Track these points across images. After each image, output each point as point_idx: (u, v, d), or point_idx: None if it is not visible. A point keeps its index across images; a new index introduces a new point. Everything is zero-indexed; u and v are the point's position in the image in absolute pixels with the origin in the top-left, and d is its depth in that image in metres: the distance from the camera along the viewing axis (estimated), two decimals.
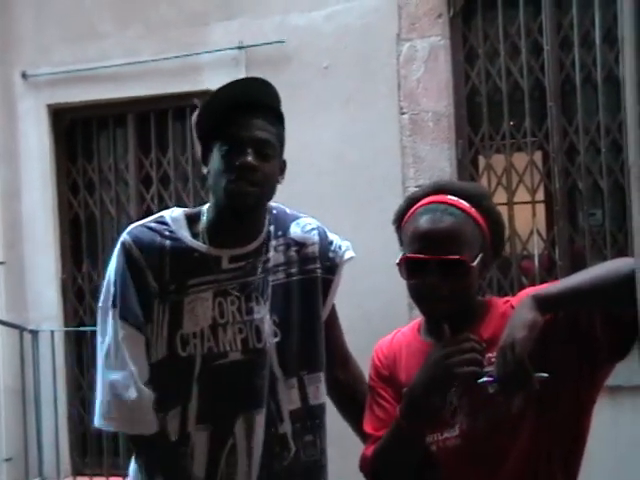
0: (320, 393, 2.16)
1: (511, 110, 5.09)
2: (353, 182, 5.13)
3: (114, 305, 2.03)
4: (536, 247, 5.08)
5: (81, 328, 5.92)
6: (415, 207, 1.98)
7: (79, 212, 6.10)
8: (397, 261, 1.95)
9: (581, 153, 4.97)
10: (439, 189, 2.01)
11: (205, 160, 2.08)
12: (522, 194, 5.03)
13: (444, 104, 5.08)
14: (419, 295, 1.93)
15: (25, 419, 5.74)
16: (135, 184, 5.96)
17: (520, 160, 5.12)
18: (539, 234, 5.07)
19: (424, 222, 1.92)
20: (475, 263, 1.90)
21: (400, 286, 5.33)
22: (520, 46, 5.08)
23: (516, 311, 1.82)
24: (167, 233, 2.07)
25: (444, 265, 1.87)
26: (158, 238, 2.06)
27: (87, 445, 5.99)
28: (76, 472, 5.92)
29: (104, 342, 2.04)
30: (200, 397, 2.02)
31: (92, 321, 5.92)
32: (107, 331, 2.03)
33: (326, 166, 5.17)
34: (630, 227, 4.81)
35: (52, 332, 5.73)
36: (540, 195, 5.10)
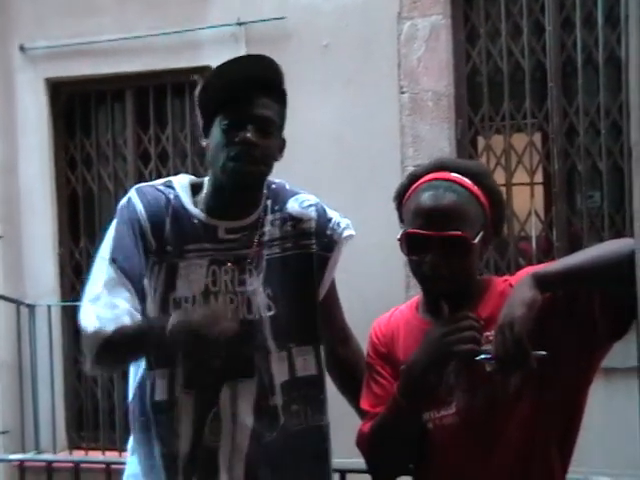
0: (309, 365, 2.15)
1: (511, 91, 5.09)
2: (352, 161, 5.13)
3: (112, 255, 2.03)
4: (534, 228, 5.10)
5: (78, 303, 5.87)
6: (417, 184, 1.97)
7: (77, 187, 6.11)
8: (398, 237, 1.95)
9: (581, 134, 4.98)
10: (441, 166, 2.00)
11: (206, 132, 2.08)
12: (521, 175, 5.04)
13: (444, 84, 5.08)
14: (420, 271, 1.92)
15: (22, 393, 5.76)
16: (133, 160, 5.97)
17: (519, 141, 5.13)
18: (537, 215, 5.08)
19: (426, 198, 1.91)
20: (476, 240, 1.90)
21: (398, 266, 5.37)
22: (522, 26, 5.08)
23: (515, 289, 1.82)
24: (172, 196, 2.09)
25: (446, 242, 1.86)
26: (163, 199, 2.08)
27: (83, 419, 6.03)
28: (72, 446, 5.95)
29: (91, 288, 2.04)
30: (187, 362, 2.03)
31: None
32: (98, 278, 2.03)
33: (325, 145, 5.17)
34: (629, 209, 4.82)
35: (49, 307, 5.74)
36: (539, 176, 5.11)
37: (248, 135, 1.97)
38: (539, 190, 5.13)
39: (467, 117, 5.15)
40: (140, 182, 5.96)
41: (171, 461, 2.04)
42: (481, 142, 5.19)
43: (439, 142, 5.05)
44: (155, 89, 5.85)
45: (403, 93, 5.13)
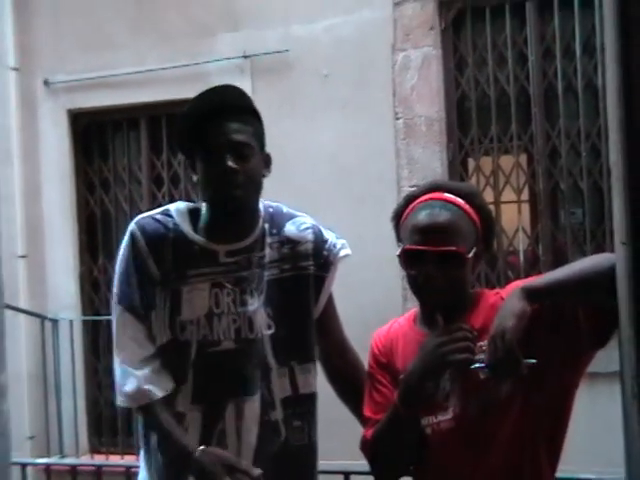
0: (309, 383, 2.14)
1: (498, 115, 5.10)
2: (351, 181, 5.13)
3: (119, 293, 2.05)
4: (521, 243, 5.09)
5: (97, 317, 5.93)
6: (413, 204, 1.98)
7: (95, 209, 6.10)
8: (397, 253, 1.95)
9: (563, 156, 4.98)
10: (435, 187, 2.01)
11: (193, 168, 2.07)
12: (508, 194, 5.04)
13: (436, 109, 5.08)
14: (417, 285, 1.92)
15: (46, 401, 5.74)
16: (147, 183, 5.96)
17: (507, 162, 5.13)
18: (524, 231, 5.08)
19: (423, 216, 1.91)
20: (470, 255, 1.90)
21: (394, 279, 5.36)
22: (506, 56, 5.09)
23: (506, 301, 1.82)
24: (171, 225, 2.06)
25: (441, 256, 1.86)
26: (162, 229, 2.05)
27: (103, 425, 6.01)
28: (93, 450, 5.93)
29: (113, 326, 2.07)
30: (195, 380, 2.02)
31: (107, 310, 5.92)
32: (114, 315, 2.07)
33: (325, 166, 5.17)
34: (608, 225, 4.82)
35: (71, 321, 5.74)
36: (525, 195, 5.10)
37: (228, 163, 1.95)
38: (525, 207, 5.12)
39: (457, 140, 5.15)
40: (154, 203, 6.01)
41: (177, 470, 2.03)
42: (471, 163, 5.19)
43: (432, 164, 5.05)
44: (167, 118, 5.84)
45: (398, 119, 5.14)
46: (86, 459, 5.65)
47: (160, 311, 2.03)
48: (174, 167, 5.88)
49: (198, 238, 2.06)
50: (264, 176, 2.07)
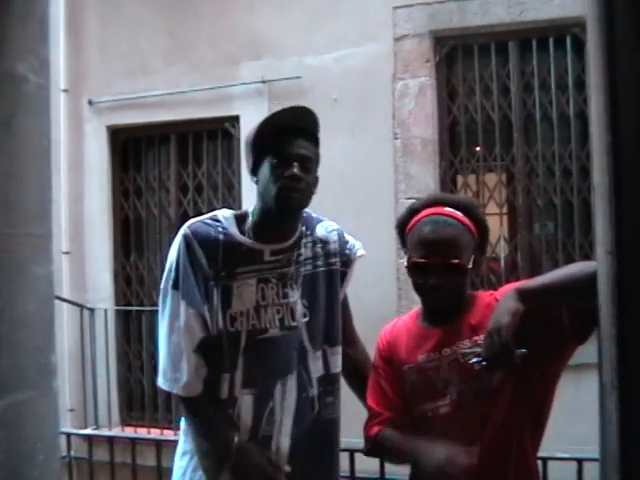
0: (337, 363, 2.15)
1: (484, 138, 5.09)
2: (354, 193, 5.12)
3: (175, 287, 2.01)
4: (502, 251, 5.07)
5: (128, 307, 5.94)
6: (417, 217, 1.97)
7: (129, 213, 6.10)
8: (405, 264, 1.94)
9: (540, 175, 4.97)
10: (437, 201, 2.00)
11: (254, 171, 2.07)
12: (492, 207, 5.02)
13: (430, 132, 5.07)
14: (423, 291, 1.92)
15: (84, 379, 5.73)
16: (175, 191, 5.95)
17: (491, 179, 5.12)
18: (505, 240, 5.05)
19: (428, 232, 1.91)
20: (470, 265, 1.89)
21: (391, 280, 5.31)
22: (492, 87, 5.08)
23: (501, 301, 1.81)
24: (220, 229, 2.05)
25: (445, 267, 1.86)
26: (212, 232, 2.04)
27: (132, 402, 6.00)
28: (124, 422, 5.92)
29: (164, 318, 2.03)
30: (245, 366, 2.01)
31: (138, 302, 5.94)
32: (166, 308, 2.02)
33: (332, 180, 5.08)
34: (578, 236, 4.82)
35: (105, 310, 5.74)
36: (506, 208, 5.08)
37: (295, 171, 1.97)
38: (506, 220, 5.11)
39: (449, 159, 5.13)
40: (180, 209, 6.01)
41: (227, 448, 2.00)
42: (460, 180, 5.17)
43: (426, 179, 5.04)
44: (194, 134, 5.85)
45: (397, 139, 5.12)
46: (118, 431, 5.66)
47: (213, 305, 2.01)
48: (198, 177, 5.88)
49: (245, 239, 2.05)
50: (312, 192, 2.07)
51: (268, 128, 2.03)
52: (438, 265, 1.86)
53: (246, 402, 2.01)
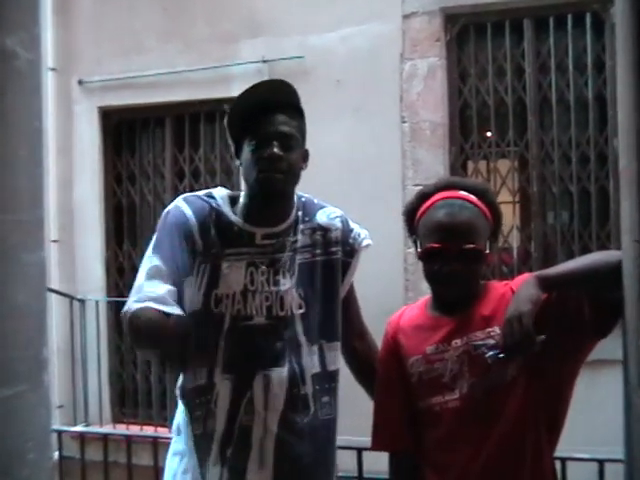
0: (336, 360, 2.12)
1: (497, 123, 5.06)
2: (360, 180, 5.10)
3: (154, 248, 1.98)
4: (515, 241, 5.06)
5: (121, 299, 5.86)
6: (429, 202, 1.95)
7: (122, 200, 6.09)
8: (419, 249, 1.92)
9: (555, 162, 4.94)
10: (450, 185, 1.98)
11: (238, 155, 2.06)
12: (504, 195, 5.00)
13: (440, 115, 5.05)
14: (436, 279, 1.90)
15: (74, 374, 5.74)
16: (170, 177, 5.94)
17: (503, 166, 5.10)
18: (518, 230, 5.04)
19: (444, 216, 1.89)
20: (487, 250, 1.88)
21: (397, 270, 5.30)
22: (505, 68, 5.05)
23: (521, 288, 1.80)
24: (214, 205, 2.05)
25: (462, 253, 1.85)
26: (207, 207, 2.04)
27: (125, 398, 6.00)
28: (115, 419, 5.92)
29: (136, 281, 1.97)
30: (226, 351, 1.99)
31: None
32: (141, 270, 1.97)
33: (337, 166, 5.14)
34: (595, 226, 4.80)
35: (97, 301, 5.73)
36: (519, 197, 5.07)
37: (275, 150, 1.95)
38: (519, 208, 5.09)
39: (459, 144, 5.10)
40: (176, 196, 6.06)
41: (205, 439, 2.00)
42: (470, 166, 5.15)
43: (435, 166, 5.02)
44: (190, 117, 5.83)
45: (404, 123, 5.10)
46: (109, 428, 5.65)
47: (197, 280, 1.99)
48: (195, 162, 5.87)
49: (237, 220, 2.05)
50: (302, 169, 2.06)
51: (242, 108, 2.00)
52: (454, 251, 1.84)
53: (224, 387, 1.99)
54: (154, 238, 2.02)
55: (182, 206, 2.03)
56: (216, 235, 2.01)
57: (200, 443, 2.01)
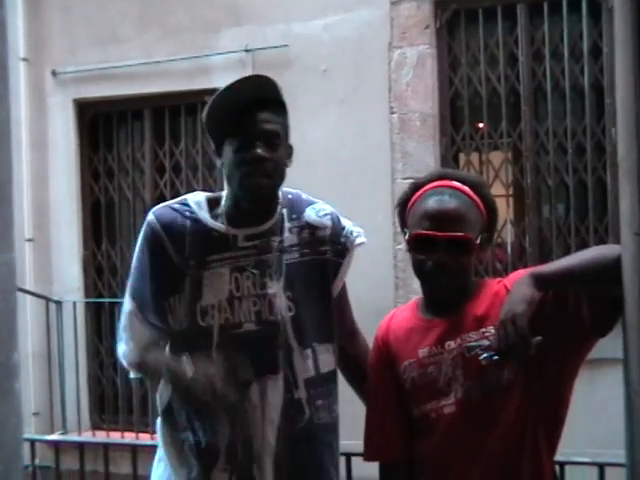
0: (330, 361, 2.09)
1: (489, 113, 5.06)
2: (346, 174, 5.09)
3: (130, 289, 2.08)
4: (509, 236, 5.06)
5: (100, 300, 5.90)
6: (420, 191, 1.93)
7: (100, 196, 6.05)
8: (406, 238, 1.90)
9: (550, 153, 4.94)
10: (443, 176, 1.97)
11: (219, 153, 2.02)
12: (497, 188, 4.99)
13: (430, 106, 5.04)
14: (424, 269, 1.87)
15: (50, 379, 5.70)
16: (150, 172, 5.91)
17: (496, 158, 5.10)
18: (512, 224, 5.04)
19: (433, 203, 1.88)
20: (477, 242, 1.86)
21: (386, 268, 5.29)
22: (498, 56, 5.04)
23: (515, 287, 1.77)
24: (188, 214, 2.02)
25: (451, 242, 1.83)
26: (180, 218, 2.01)
27: (104, 404, 5.96)
28: (95, 427, 5.89)
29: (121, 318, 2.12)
30: (220, 364, 1.97)
31: (110, 294, 5.89)
32: (124, 309, 2.09)
33: (323, 159, 5.13)
34: (592, 220, 4.81)
35: (74, 303, 5.69)
36: (513, 189, 5.06)
37: (258, 151, 1.92)
38: (513, 202, 5.09)
39: (450, 136, 5.10)
40: (156, 191, 5.99)
41: (210, 453, 1.99)
42: (462, 158, 5.14)
43: (425, 158, 5.01)
44: (170, 109, 5.80)
45: (393, 113, 5.09)
46: (88, 435, 5.63)
47: (180, 297, 1.99)
48: (176, 156, 5.84)
49: (217, 224, 2.02)
50: (287, 166, 2.03)
51: (222, 105, 1.96)
52: (442, 239, 1.82)
53: (221, 400, 1.97)
54: (133, 268, 2.10)
55: (152, 222, 2.03)
56: (193, 245, 1.99)
57: (203, 457, 2.00)
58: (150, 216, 2.04)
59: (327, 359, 2.08)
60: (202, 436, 2.00)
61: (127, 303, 2.07)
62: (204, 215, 2.02)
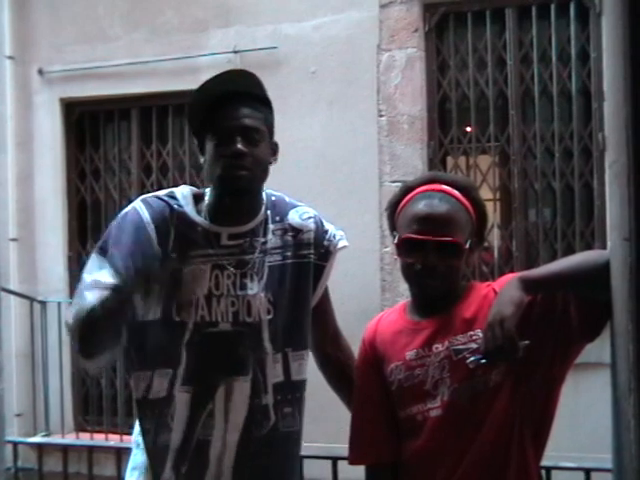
0: (302, 370, 2.07)
1: (477, 116, 5.07)
2: (334, 176, 5.09)
3: (102, 251, 1.92)
4: (496, 240, 5.06)
5: None
6: (411, 194, 1.93)
7: (85, 196, 6.02)
8: (395, 241, 1.90)
9: (537, 157, 4.96)
10: (433, 179, 1.97)
11: (202, 150, 2.01)
12: (485, 192, 5.00)
13: (418, 108, 5.04)
14: (413, 273, 1.87)
15: (34, 380, 5.67)
16: (137, 172, 5.89)
17: (484, 161, 5.11)
18: (499, 228, 5.05)
19: (423, 206, 1.87)
20: (467, 246, 1.86)
21: (373, 272, 5.29)
22: (486, 60, 5.06)
23: (503, 290, 1.77)
24: (175, 206, 1.99)
25: (440, 246, 1.83)
26: (167, 209, 1.98)
27: (89, 405, 5.93)
28: (79, 428, 5.85)
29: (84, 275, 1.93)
30: (188, 361, 1.94)
31: None
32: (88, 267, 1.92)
33: (311, 161, 5.12)
34: (579, 224, 4.82)
35: (59, 303, 5.60)
36: (500, 193, 5.08)
37: (238, 146, 1.90)
38: (500, 205, 5.10)
39: (438, 139, 5.10)
40: (143, 192, 5.99)
41: (160, 453, 1.96)
42: (450, 162, 5.16)
43: (413, 160, 5.01)
44: (158, 109, 5.79)
45: (381, 116, 5.09)
46: (72, 437, 5.60)
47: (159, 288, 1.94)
48: (163, 157, 5.82)
49: (201, 220, 1.99)
50: (270, 163, 2.01)
51: (202, 101, 1.95)
52: (432, 243, 1.82)
53: (182, 400, 1.94)
54: (108, 236, 1.94)
55: (139, 209, 1.97)
56: (177, 238, 1.96)
57: (154, 458, 1.97)
58: (138, 203, 1.98)
59: (299, 367, 2.05)
60: (153, 435, 1.97)
61: (104, 277, 1.85)
62: (190, 209, 2.00)
